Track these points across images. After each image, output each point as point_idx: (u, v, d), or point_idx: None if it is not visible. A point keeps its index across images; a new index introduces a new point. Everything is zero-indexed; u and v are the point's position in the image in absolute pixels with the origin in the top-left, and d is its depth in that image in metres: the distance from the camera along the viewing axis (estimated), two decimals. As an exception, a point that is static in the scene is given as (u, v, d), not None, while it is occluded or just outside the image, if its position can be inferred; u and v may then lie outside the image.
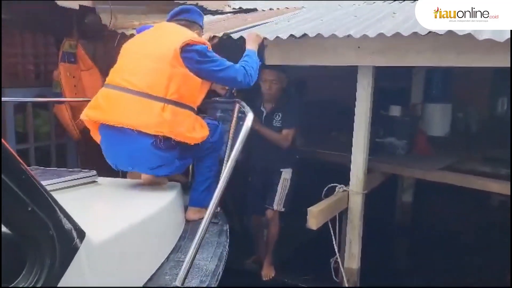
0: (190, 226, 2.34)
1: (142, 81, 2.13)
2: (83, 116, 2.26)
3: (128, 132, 2.11)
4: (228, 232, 2.45)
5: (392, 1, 4.09)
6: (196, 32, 2.45)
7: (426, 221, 5.14)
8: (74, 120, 3.67)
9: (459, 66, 2.58)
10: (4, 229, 1.13)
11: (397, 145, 4.43)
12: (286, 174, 3.64)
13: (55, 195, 1.22)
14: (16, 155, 1.05)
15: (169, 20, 2.52)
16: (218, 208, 2.46)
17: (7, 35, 3.87)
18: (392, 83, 5.06)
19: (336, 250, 3.20)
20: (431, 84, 5.05)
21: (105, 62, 4.10)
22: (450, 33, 2.28)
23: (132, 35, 3.31)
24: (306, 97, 5.33)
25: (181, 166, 2.37)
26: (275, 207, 3.62)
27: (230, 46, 2.89)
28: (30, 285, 1.10)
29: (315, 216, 2.80)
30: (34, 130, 3.95)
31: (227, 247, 2.27)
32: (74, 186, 2.20)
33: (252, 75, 2.41)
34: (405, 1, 3.89)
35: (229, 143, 2.53)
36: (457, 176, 3.67)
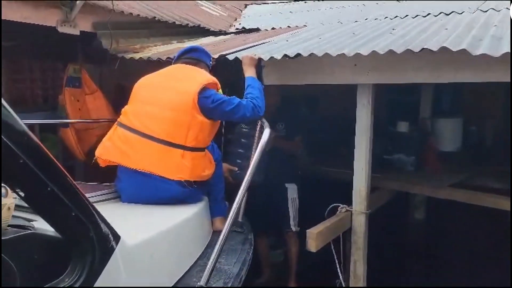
0: (217, 236, 2.45)
1: (163, 129, 2.27)
2: (97, 153, 2.36)
3: (153, 177, 2.26)
4: (253, 241, 2.60)
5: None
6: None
7: (439, 239, 4.97)
8: (79, 142, 3.73)
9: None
10: (50, 232, 1.37)
11: (406, 161, 4.33)
12: (292, 192, 3.67)
13: (95, 205, 1.40)
14: (64, 170, 1.23)
15: (177, 58, 2.64)
16: (241, 218, 2.64)
17: (15, 61, 4.00)
18: (400, 98, 4.99)
19: (340, 271, 3.10)
20: (440, 98, 4.96)
21: (111, 86, 4.20)
22: (444, 49, 2.23)
23: (131, 59, 3.39)
24: (318, 114, 5.30)
25: (202, 194, 2.53)
26: (293, 228, 3.68)
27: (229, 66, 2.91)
28: (74, 280, 1.29)
29: (314, 238, 2.73)
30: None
31: (250, 253, 2.42)
32: (110, 199, 2.37)
33: (260, 105, 2.48)
34: (407, 16, 3.85)
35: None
36: (466, 194, 3.55)
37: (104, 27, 3.50)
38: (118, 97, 3.88)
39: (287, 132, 3.60)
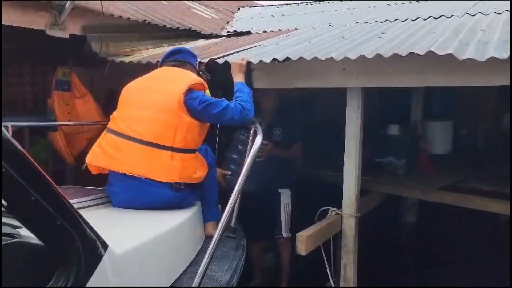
0: (209, 242, 2.45)
1: (150, 131, 2.25)
2: (87, 160, 2.35)
3: (143, 180, 2.24)
4: (245, 246, 2.58)
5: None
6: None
7: (431, 241, 4.98)
8: (69, 146, 3.71)
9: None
10: (37, 241, 1.31)
11: (397, 164, 4.34)
12: (285, 197, 3.64)
13: (84, 211, 1.37)
14: (47, 176, 1.19)
15: (163, 61, 2.63)
16: (234, 223, 2.61)
17: (5, 65, 3.96)
18: (391, 101, 5.00)
19: (331, 274, 3.10)
20: (431, 101, 4.99)
21: (102, 89, 4.17)
22: (431, 53, 2.24)
23: (121, 62, 3.38)
24: (312, 116, 5.30)
25: (195, 198, 2.50)
26: (284, 234, 3.65)
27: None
28: None
29: (304, 241, 2.72)
30: (32, 157, 3.97)
31: (242, 260, 2.40)
32: (101, 203, 2.35)
33: (249, 108, 2.47)
34: (396, 20, 3.87)
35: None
36: (456, 196, 3.57)
37: (94, 30, 3.49)
38: (109, 101, 3.86)
39: (284, 137, 3.55)
